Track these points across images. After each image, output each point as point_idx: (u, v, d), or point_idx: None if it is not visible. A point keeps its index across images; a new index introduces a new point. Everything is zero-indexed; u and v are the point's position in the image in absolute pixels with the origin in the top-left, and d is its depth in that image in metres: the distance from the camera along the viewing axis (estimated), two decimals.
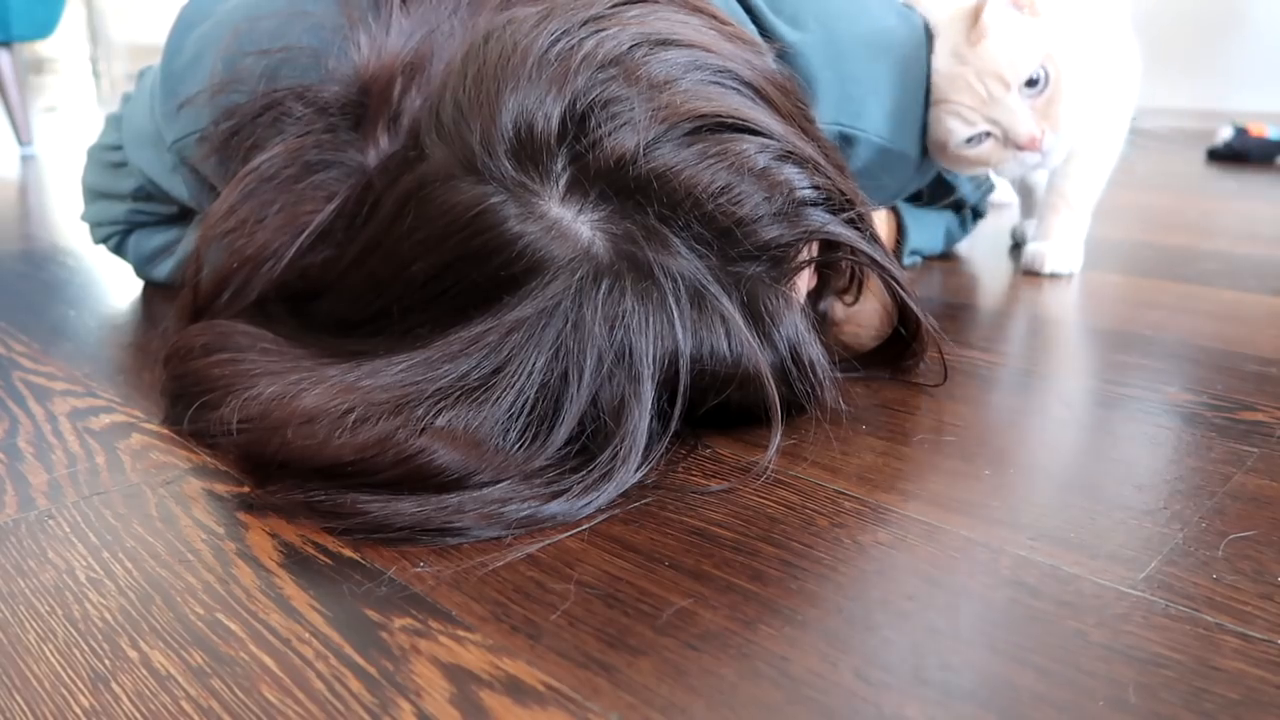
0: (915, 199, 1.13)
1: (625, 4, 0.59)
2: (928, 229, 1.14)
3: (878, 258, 0.63)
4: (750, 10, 0.87)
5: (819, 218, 0.58)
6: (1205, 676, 0.40)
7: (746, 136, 0.56)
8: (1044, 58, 0.88)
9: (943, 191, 1.08)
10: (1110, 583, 0.46)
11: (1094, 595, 0.45)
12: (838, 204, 0.60)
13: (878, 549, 0.50)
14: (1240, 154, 2.04)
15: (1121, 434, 0.64)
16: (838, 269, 0.69)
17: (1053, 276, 1.05)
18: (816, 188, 0.58)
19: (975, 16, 0.89)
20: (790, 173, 0.57)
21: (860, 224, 0.62)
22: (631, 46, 0.55)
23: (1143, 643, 0.42)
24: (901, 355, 0.72)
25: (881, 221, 1.09)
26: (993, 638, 0.43)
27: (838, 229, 0.60)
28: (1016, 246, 1.20)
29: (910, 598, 0.46)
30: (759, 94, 0.59)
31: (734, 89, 0.58)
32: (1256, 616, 0.44)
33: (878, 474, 0.58)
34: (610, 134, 0.54)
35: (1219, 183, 1.79)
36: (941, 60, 0.92)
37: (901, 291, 0.66)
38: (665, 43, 0.57)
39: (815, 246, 0.63)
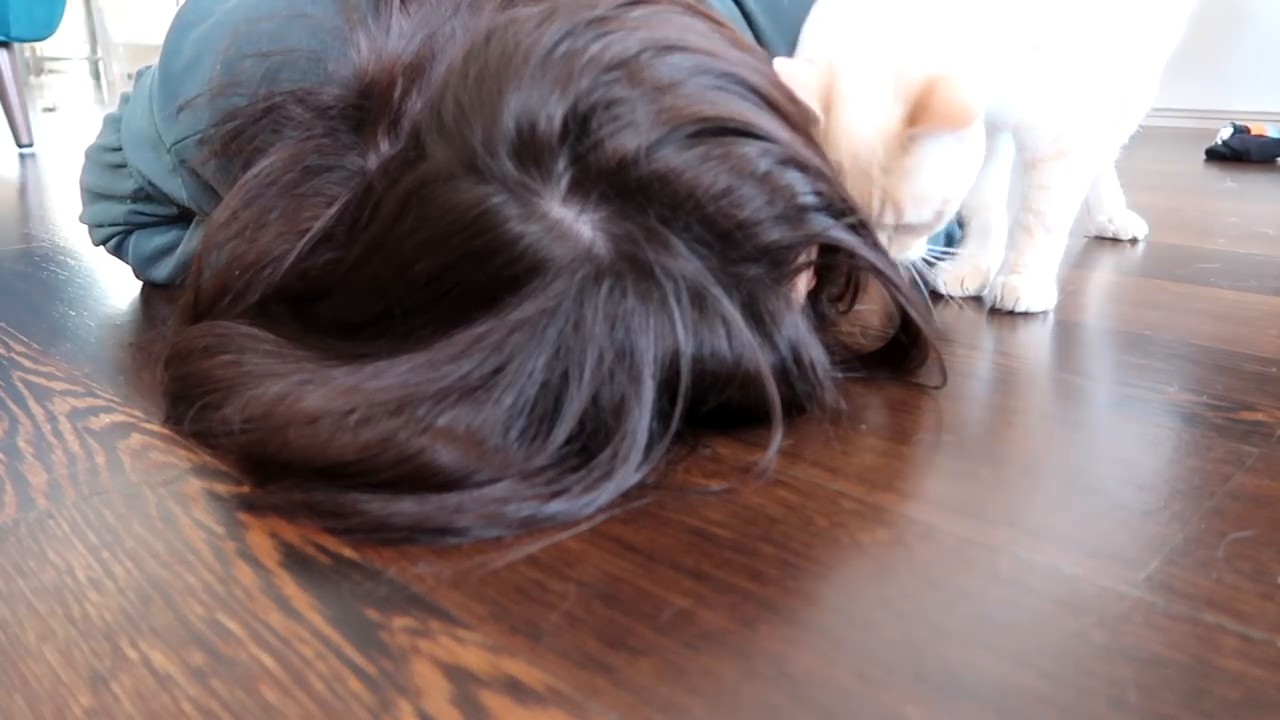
0: None
1: (629, 5, 0.59)
2: None
3: (879, 264, 0.63)
4: (747, 16, 0.87)
5: (821, 222, 0.59)
6: (1205, 676, 0.40)
7: (749, 141, 0.56)
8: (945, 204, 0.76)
9: None
10: (1110, 583, 0.46)
11: (1094, 595, 0.45)
12: (839, 210, 0.60)
13: (877, 549, 0.50)
14: (1240, 154, 2.04)
15: (1121, 434, 0.64)
16: (838, 272, 0.69)
17: (1026, 315, 0.91)
18: (819, 194, 0.58)
19: (901, 140, 0.73)
20: (793, 178, 0.57)
21: (862, 230, 0.62)
22: (637, 49, 0.55)
23: (1143, 643, 0.42)
24: (903, 360, 0.72)
25: None
26: (993, 638, 0.43)
27: (840, 234, 0.59)
28: None
29: (910, 598, 0.46)
30: (763, 99, 0.59)
31: (738, 94, 0.58)
32: (1256, 616, 0.44)
33: (878, 474, 0.58)
34: (612, 135, 0.54)
35: (1219, 183, 1.79)
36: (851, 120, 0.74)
37: (902, 299, 0.66)
38: (670, 46, 0.57)
39: (815, 250, 0.63)
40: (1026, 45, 0.82)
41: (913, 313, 0.67)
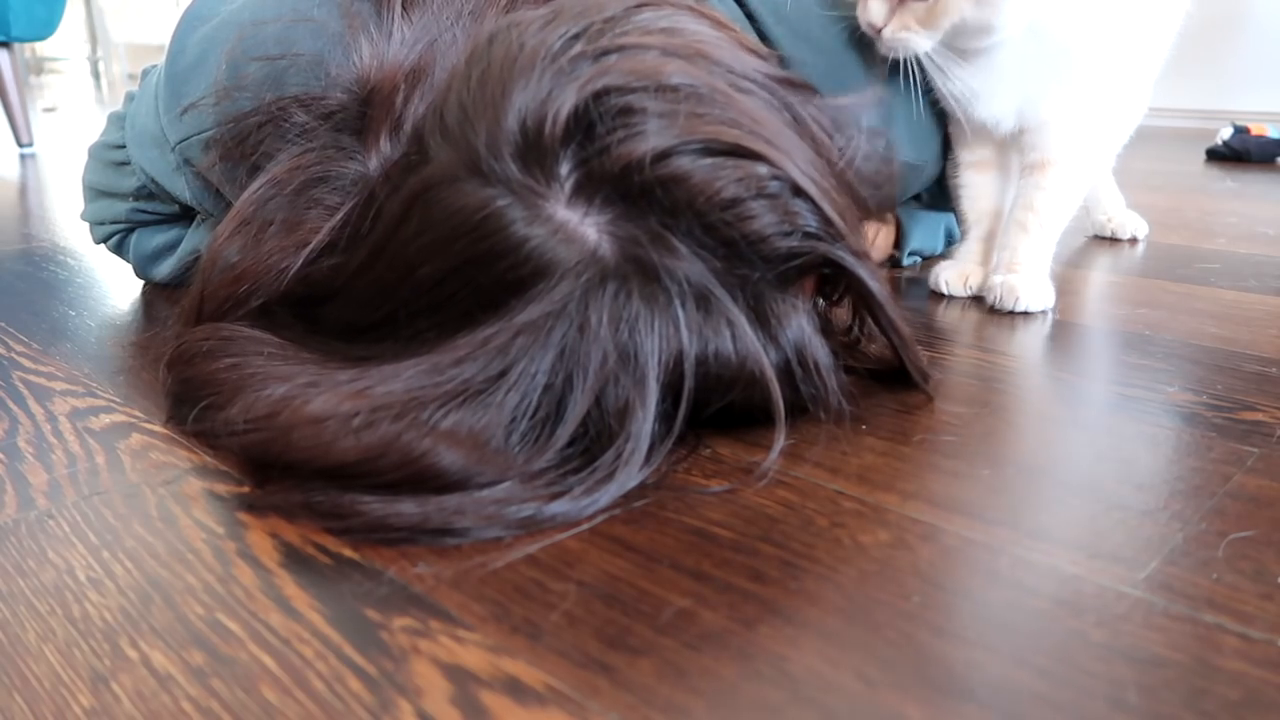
0: (915, 200, 1.13)
1: (635, 8, 0.58)
2: (928, 229, 1.14)
3: (875, 291, 0.62)
4: (752, 18, 0.87)
5: (824, 244, 0.58)
6: (1205, 676, 0.40)
7: (760, 163, 0.55)
8: None
9: (944, 194, 1.08)
10: (1110, 583, 0.47)
11: (1094, 595, 0.46)
12: (841, 237, 0.59)
13: (878, 549, 0.50)
14: (1240, 154, 2.04)
15: (1121, 434, 0.64)
16: (840, 284, 0.69)
17: (1026, 315, 0.91)
18: (821, 228, 0.58)
19: None
20: (799, 206, 0.56)
21: (861, 256, 0.61)
22: (642, 52, 0.55)
23: (1143, 643, 0.42)
24: (894, 375, 0.72)
25: (882, 224, 1.09)
26: (992, 638, 0.43)
27: (841, 254, 0.59)
28: None
29: (910, 598, 0.46)
30: (771, 107, 0.59)
31: (743, 108, 0.57)
32: (1256, 616, 0.44)
33: (878, 474, 0.58)
34: (618, 137, 0.53)
35: (1219, 183, 1.79)
36: None
37: (889, 328, 0.65)
38: (675, 49, 0.56)
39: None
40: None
41: (896, 341, 0.67)
